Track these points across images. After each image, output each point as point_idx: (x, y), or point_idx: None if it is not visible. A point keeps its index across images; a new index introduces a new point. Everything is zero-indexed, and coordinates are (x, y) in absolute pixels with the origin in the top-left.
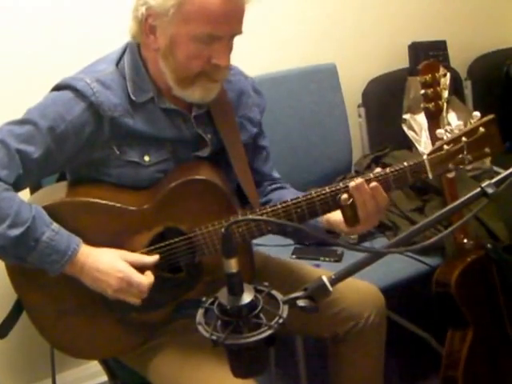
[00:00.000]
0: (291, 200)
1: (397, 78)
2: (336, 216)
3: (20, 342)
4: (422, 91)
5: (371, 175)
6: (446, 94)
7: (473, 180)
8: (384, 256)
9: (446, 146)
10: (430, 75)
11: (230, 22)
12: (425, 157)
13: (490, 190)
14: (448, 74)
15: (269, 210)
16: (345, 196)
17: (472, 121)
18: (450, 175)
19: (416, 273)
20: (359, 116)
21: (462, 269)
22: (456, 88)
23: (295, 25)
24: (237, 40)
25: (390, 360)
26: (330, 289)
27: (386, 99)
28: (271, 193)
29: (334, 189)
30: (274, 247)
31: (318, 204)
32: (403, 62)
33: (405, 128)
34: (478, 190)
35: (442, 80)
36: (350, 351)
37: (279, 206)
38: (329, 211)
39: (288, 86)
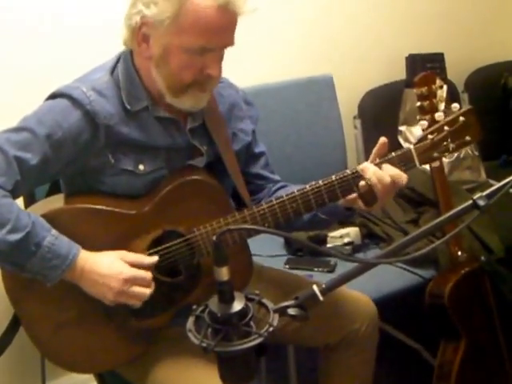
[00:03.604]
0: (286, 195)
1: (393, 89)
2: (352, 196)
3: (10, 348)
4: (418, 103)
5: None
6: (442, 106)
7: (468, 193)
8: (375, 266)
9: (430, 136)
10: (426, 87)
11: (222, 35)
12: (411, 146)
13: (481, 203)
14: (445, 87)
15: (265, 206)
16: (362, 183)
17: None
18: (435, 164)
19: (409, 285)
20: (355, 127)
21: (456, 281)
22: (453, 100)
23: (292, 36)
24: (234, 51)
25: (381, 371)
26: (321, 298)
27: (382, 111)
28: (276, 192)
29: (327, 182)
30: (267, 257)
31: (313, 197)
32: (400, 73)
33: (401, 140)
34: (470, 202)
35: (439, 92)
36: (341, 361)
37: (275, 202)
38: (323, 205)
39: (285, 96)
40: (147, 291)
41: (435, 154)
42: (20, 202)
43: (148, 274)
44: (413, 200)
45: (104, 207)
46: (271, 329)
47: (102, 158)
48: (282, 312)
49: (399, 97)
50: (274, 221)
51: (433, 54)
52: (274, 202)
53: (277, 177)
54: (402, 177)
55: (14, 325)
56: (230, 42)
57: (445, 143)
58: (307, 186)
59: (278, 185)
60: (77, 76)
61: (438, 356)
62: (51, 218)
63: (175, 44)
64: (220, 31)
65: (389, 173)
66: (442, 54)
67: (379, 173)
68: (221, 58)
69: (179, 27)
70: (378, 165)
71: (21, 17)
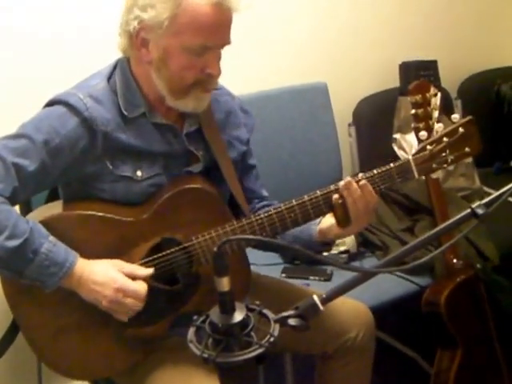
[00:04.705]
0: (284, 205)
1: (387, 97)
2: (327, 222)
3: (6, 358)
4: (413, 111)
5: (360, 175)
6: (436, 113)
7: (463, 200)
8: (374, 276)
9: (429, 147)
10: (420, 95)
11: (220, 33)
12: (410, 157)
13: (480, 211)
14: (439, 94)
15: (262, 216)
16: (336, 196)
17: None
18: (435, 175)
19: (406, 292)
20: (349, 135)
21: (452, 288)
22: (446, 107)
23: (287, 44)
24: (228, 58)
25: (378, 379)
26: (321, 308)
27: (376, 118)
28: (260, 210)
29: (325, 191)
30: (263, 266)
31: (311, 208)
32: (394, 81)
33: (395, 147)
34: (469, 210)
35: (433, 100)
36: (338, 368)
37: (273, 212)
38: (321, 214)
39: (279, 104)
40: (138, 305)
41: (434, 165)
42: (16, 210)
43: (140, 288)
44: (407, 207)
45: (102, 214)
46: (272, 339)
47: (99, 165)
48: (282, 322)
49: (393, 104)
50: (271, 230)
51: (426, 62)
52: (273, 212)
53: (265, 192)
54: (373, 200)
55: (13, 330)
56: (228, 41)
57: (443, 154)
58: (305, 196)
59: (264, 202)
60: (75, 82)
61: (434, 364)
62: (50, 225)
63: (175, 45)
64: (217, 28)
65: (365, 194)
66: (435, 62)
67: (357, 193)
68: (219, 58)
69: (178, 27)
70: (359, 182)
71: (21, 23)
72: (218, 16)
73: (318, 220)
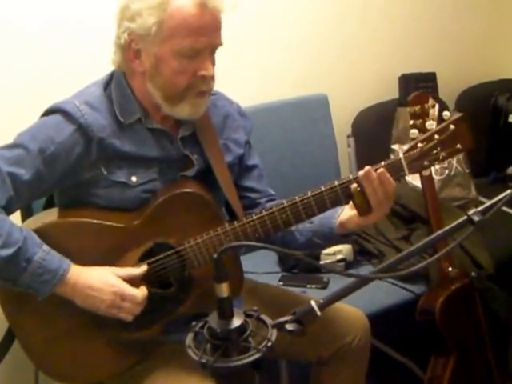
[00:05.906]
0: (276, 206)
1: (386, 108)
2: (346, 214)
3: (4, 363)
4: (411, 122)
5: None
6: (434, 125)
7: (458, 210)
8: (370, 282)
9: (420, 144)
10: (419, 106)
11: (208, 34)
12: (401, 155)
13: (476, 218)
14: (437, 106)
15: (255, 217)
16: (354, 185)
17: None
18: (426, 173)
19: (401, 300)
20: (348, 146)
21: (446, 296)
22: (444, 118)
23: (288, 57)
24: (230, 71)
25: None
26: (319, 313)
27: (375, 129)
28: (267, 204)
29: (343, 181)
30: (261, 274)
31: (302, 208)
32: (393, 93)
33: None
34: (465, 217)
35: (431, 111)
36: (333, 374)
37: (264, 213)
38: (323, 210)
39: (280, 116)
40: (136, 309)
41: (425, 163)
42: (17, 215)
43: (138, 292)
44: (405, 217)
45: (96, 221)
46: (270, 344)
47: (94, 171)
48: (280, 327)
49: (392, 116)
50: (264, 232)
51: (425, 74)
52: (264, 214)
53: (271, 191)
54: (392, 187)
55: (9, 338)
56: (218, 42)
57: (434, 152)
58: (296, 197)
59: (274, 202)
60: (75, 90)
61: (427, 370)
62: (43, 233)
63: (165, 51)
64: (205, 29)
65: (383, 182)
66: (433, 74)
67: (376, 182)
68: (212, 60)
69: (166, 32)
70: (379, 172)
71: (22, 30)
72: (204, 16)
73: (337, 214)
